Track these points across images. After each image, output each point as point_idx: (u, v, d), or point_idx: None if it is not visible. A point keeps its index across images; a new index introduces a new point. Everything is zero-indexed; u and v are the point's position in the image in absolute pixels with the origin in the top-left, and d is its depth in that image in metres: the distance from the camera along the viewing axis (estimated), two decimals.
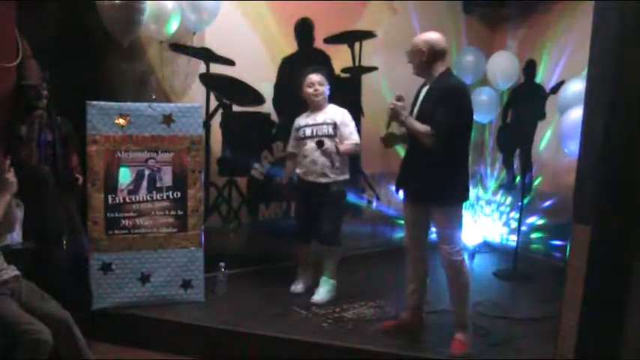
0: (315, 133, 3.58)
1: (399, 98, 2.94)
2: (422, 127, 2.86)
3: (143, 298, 3.47)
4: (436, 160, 2.86)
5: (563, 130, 3.80)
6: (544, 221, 4.87)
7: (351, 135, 3.59)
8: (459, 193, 2.98)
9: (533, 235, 4.93)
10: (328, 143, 3.51)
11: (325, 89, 3.62)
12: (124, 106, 3.41)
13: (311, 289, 3.74)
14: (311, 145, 3.56)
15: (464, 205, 3.07)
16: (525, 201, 4.68)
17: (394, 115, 2.92)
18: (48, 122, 3.24)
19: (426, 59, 2.92)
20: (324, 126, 3.57)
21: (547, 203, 4.84)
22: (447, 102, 2.84)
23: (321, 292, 3.65)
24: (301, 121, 3.68)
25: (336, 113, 3.61)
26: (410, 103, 3.06)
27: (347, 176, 3.66)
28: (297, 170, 3.69)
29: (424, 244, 3.17)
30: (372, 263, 4.61)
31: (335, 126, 3.55)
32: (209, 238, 3.67)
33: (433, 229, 3.13)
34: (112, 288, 3.42)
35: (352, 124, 3.62)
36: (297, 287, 3.82)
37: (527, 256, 4.71)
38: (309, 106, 3.65)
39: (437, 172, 2.88)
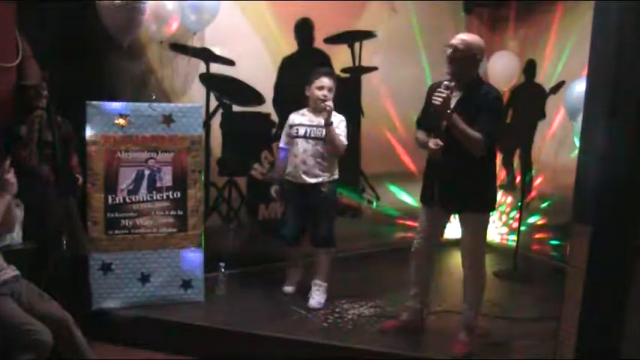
0: (308, 134, 3.54)
1: (449, 87, 2.69)
2: (473, 132, 2.69)
3: (143, 298, 3.47)
4: (474, 167, 2.81)
5: None
6: (544, 221, 4.87)
7: (339, 135, 3.49)
8: (492, 200, 2.98)
9: (534, 235, 4.93)
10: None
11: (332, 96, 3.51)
12: (124, 106, 3.41)
13: (302, 289, 3.74)
14: (302, 145, 3.53)
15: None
16: (525, 201, 4.68)
17: (442, 107, 2.67)
18: (48, 122, 3.23)
19: (475, 65, 2.80)
20: (319, 128, 3.51)
21: (547, 203, 4.84)
22: (494, 110, 2.79)
23: (317, 297, 3.61)
24: (296, 118, 3.61)
25: (333, 119, 3.49)
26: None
27: (336, 177, 3.62)
28: (287, 170, 3.63)
29: (435, 249, 3.17)
30: (372, 263, 4.61)
31: None
32: (209, 238, 3.67)
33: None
34: (111, 288, 3.42)
35: (345, 132, 3.52)
36: (289, 288, 3.81)
37: (527, 256, 4.70)
38: (310, 105, 3.58)
39: (474, 179, 2.84)
